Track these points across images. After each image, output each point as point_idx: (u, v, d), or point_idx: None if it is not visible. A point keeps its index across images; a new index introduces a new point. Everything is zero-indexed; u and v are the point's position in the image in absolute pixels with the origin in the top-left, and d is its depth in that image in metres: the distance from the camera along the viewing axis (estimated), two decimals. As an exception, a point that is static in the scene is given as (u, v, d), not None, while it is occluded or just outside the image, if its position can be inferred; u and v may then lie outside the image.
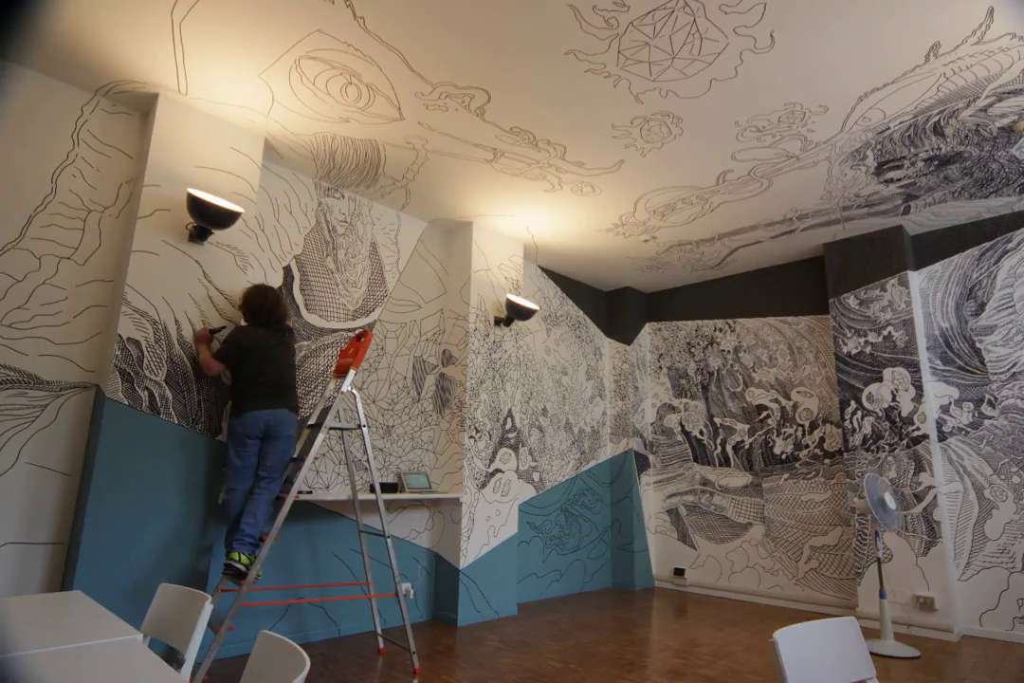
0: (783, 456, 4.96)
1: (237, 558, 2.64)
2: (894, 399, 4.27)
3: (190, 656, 1.43)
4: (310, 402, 3.69)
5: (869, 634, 3.73)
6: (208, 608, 1.45)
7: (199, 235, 3.02)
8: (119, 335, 2.75)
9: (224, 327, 3.04)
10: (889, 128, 3.27)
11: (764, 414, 5.14)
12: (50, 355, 2.76)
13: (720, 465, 5.32)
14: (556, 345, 5.46)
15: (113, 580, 2.57)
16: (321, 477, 3.67)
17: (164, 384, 2.85)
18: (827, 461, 4.71)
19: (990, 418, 4.07)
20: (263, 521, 2.78)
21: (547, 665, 3.11)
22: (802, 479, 4.81)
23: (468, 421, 4.20)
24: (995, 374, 4.10)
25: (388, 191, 4.09)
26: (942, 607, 3.84)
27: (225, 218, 2.97)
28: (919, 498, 4.04)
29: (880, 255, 4.54)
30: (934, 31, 2.55)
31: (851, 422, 4.43)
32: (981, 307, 4.24)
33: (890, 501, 3.71)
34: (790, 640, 1.11)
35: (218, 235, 3.11)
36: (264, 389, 2.87)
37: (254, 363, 2.89)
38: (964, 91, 2.95)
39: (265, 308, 2.97)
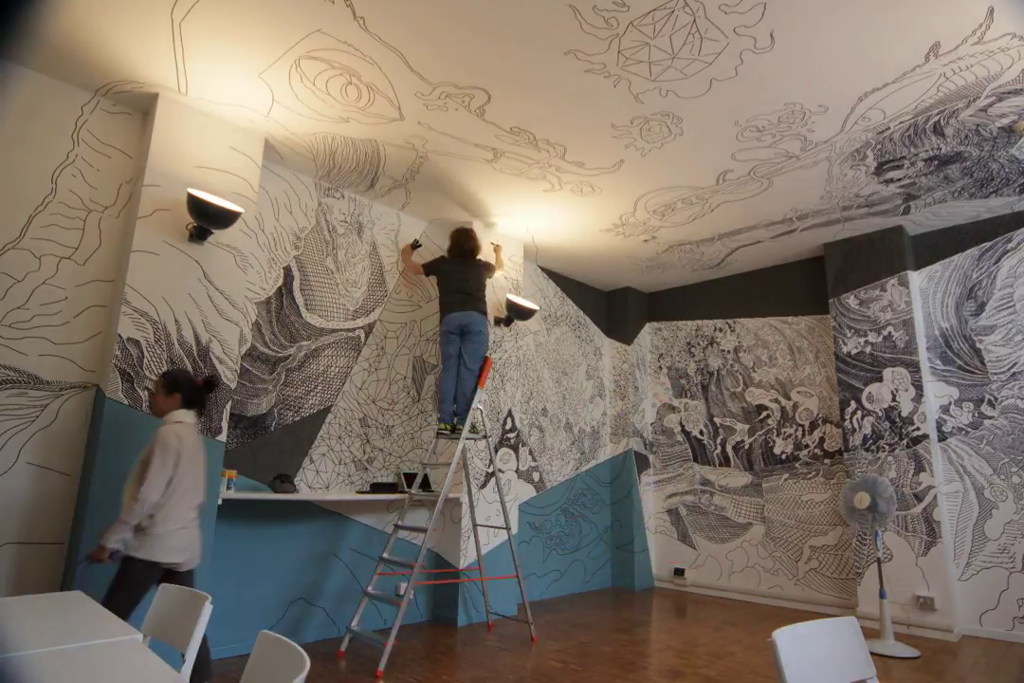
0: (783, 456, 4.96)
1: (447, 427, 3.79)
2: (894, 399, 4.27)
3: (190, 656, 1.43)
4: (309, 402, 3.70)
5: (869, 634, 3.72)
6: (208, 608, 1.45)
7: (199, 235, 3.02)
8: (119, 335, 2.75)
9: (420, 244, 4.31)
10: (889, 128, 3.27)
11: (764, 414, 5.14)
12: (50, 355, 2.76)
13: (720, 465, 5.32)
14: (556, 345, 5.46)
15: (113, 580, 2.56)
16: (321, 477, 3.67)
17: (164, 384, 2.85)
18: (827, 461, 4.71)
19: (990, 418, 4.07)
20: (470, 398, 3.79)
21: (547, 665, 3.11)
22: (802, 479, 4.81)
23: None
24: (995, 374, 4.10)
25: (388, 191, 4.09)
26: (942, 607, 3.84)
27: (225, 218, 2.98)
28: (919, 498, 4.04)
29: (880, 255, 4.54)
30: (934, 31, 2.55)
31: (851, 422, 4.43)
32: (981, 307, 4.24)
33: (861, 503, 3.73)
34: (789, 640, 1.11)
35: (218, 235, 3.11)
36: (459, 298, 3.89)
37: (452, 280, 3.95)
38: (964, 91, 2.95)
39: (458, 246, 4.06)
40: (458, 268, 3.98)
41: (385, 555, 3.38)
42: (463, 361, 3.82)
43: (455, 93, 3.01)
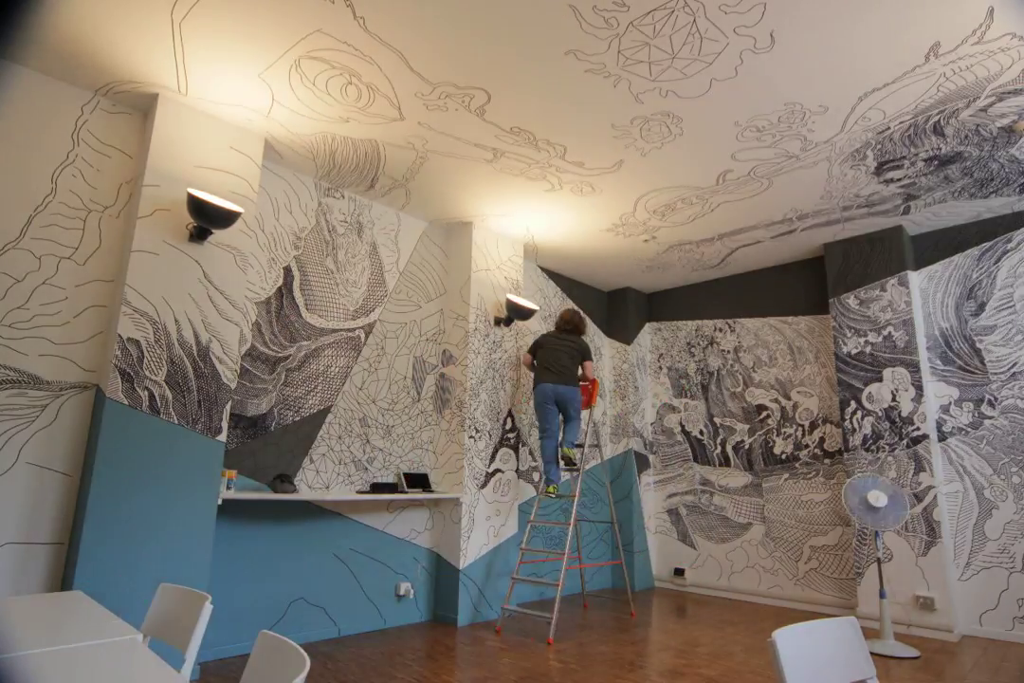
0: (783, 456, 4.96)
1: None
2: (894, 399, 4.27)
3: (190, 656, 1.43)
4: (309, 402, 3.69)
5: (869, 634, 3.72)
6: (208, 608, 1.45)
7: (199, 235, 3.02)
8: (119, 335, 2.75)
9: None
10: (889, 128, 3.27)
11: (764, 414, 5.14)
12: (50, 355, 2.76)
13: (720, 465, 5.32)
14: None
15: (113, 580, 2.57)
16: (321, 477, 3.67)
17: (164, 384, 2.85)
18: (827, 461, 4.71)
19: (990, 418, 4.07)
20: (577, 435, 4.31)
21: (547, 665, 3.11)
22: (802, 479, 4.81)
23: (468, 421, 4.19)
24: (995, 374, 4.10)
25: (388, 191, 4.09)
26: (942, 607, 3.84)
27: (225, 218, 2.97)
28: (919, 498, 4.04)
29: (880, 255, 4.54)
30: (934, 31, 2.55)
31: (851, 422, 4.43)
32: (981, 307, 4.24)
33: (878, 501, 3.71)
34: (789, 640, 1.11)
35: (218, 235, 3.11)
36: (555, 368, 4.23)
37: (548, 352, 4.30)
38: (964, 91, 2.95)
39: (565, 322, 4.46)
40: (556, 340, 4.34)
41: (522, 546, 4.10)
42: (569, 415, 4.27)
43: (455, 93, 3.01)
